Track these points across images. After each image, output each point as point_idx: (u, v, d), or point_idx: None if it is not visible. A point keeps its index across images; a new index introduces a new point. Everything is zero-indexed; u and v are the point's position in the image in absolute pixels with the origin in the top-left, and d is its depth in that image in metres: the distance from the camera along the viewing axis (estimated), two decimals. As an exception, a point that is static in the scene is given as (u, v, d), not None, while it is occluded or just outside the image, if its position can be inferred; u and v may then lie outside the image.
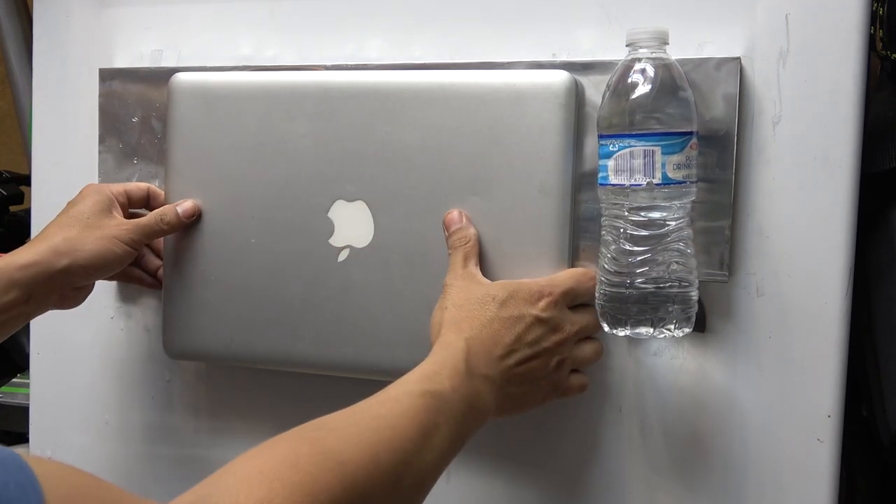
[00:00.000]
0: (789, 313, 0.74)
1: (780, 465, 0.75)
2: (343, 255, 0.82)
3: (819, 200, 0.73)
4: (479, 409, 0.67)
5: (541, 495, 0.83)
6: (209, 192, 0.86)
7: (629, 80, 0.69)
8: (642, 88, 0.69)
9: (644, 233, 0.69)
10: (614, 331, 0.71)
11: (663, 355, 0.78)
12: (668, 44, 0.70)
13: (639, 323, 0.70)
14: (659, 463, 0.79)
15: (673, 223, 0.69)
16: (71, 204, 0.84)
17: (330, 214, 0.82)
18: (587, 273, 0.74)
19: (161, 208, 0.85)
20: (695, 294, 0.70)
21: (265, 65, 0.89)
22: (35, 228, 0.98)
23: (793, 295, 0.74)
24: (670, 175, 0.68)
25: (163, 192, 0.89)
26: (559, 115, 0.74)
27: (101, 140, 0.96)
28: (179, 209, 0.85)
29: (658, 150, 0.68)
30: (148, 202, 0.89)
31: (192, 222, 0.85)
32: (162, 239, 0.87)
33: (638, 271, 0.69)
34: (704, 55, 0.74)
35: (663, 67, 0.69)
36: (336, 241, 0.82)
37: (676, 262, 0.69)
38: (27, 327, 0.87)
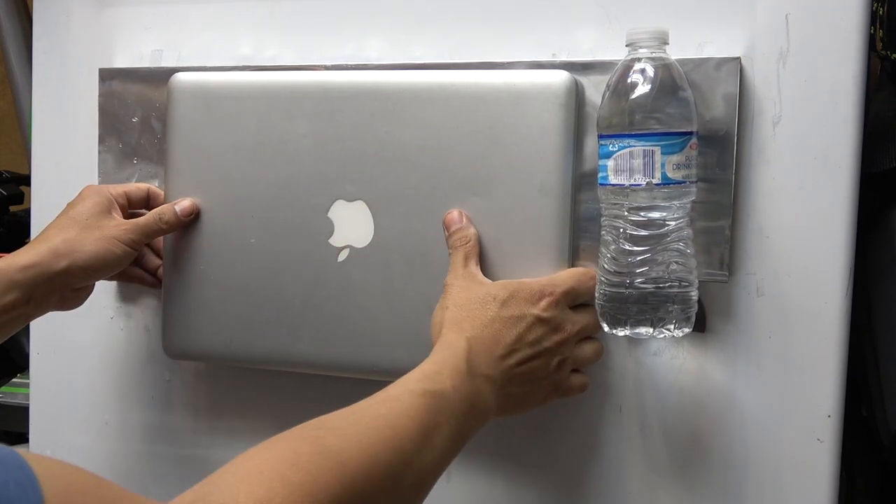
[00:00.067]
0: (789, 313, 0.74)
1: (780, 465, 0.75)
2: (343, 255, 0.82)
3: (819, 200, 0.73)
4: (480, 408, 0.67)
5: (541, 495, 0.83)
6: (209, 192, 0.86)
7: (629, 80, 0.69)
8: (642, 88, 0.69)
9: (644, 233, 0.69)
10: (614, 331, 0.71)
11: (663, 355, 0.78)
12: (668, 44, 0.70)
13: (639, 323, 0.70)
14: (659, 463, 0.79)
15: (673, 223, 0.69)
16: (70, 205, 0.84)
17: (330, 214, 0.82)
18: (588, 273, 0.74)
19: (159, 207, 0.85)
20: (695, 294, 0.70)
21: (265, 65, 0.89)
22: (35, 228, 0.99)
23: (793, 295, 0.74)
24: (670, 175, 0.68)
25: (162, 193, 0.89)
26: (559, 115, 0.74)
27: (101, 140, 0.96)
28: (178, 208, 0.85)
29: (658, 150, 0.68)
30: (148, 203, 0.89)
31: (190, 221, 0.85)
32: (162, 238, 0.87)
33: (638, 271, 0.69)
34: (704, 55, 0.74)
35: (663, 67, 0.69)
36: (336, 241, 0.82)
37: (676, 262, 0.69)
38: (27, 327, 0.87)
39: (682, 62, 0.72)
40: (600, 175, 0.71)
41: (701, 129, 0.72)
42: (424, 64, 0.83)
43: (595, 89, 0.76)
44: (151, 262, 0.91)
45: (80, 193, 0.85)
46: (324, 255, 0.82)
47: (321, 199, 0.82)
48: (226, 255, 0.85)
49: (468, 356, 0.67)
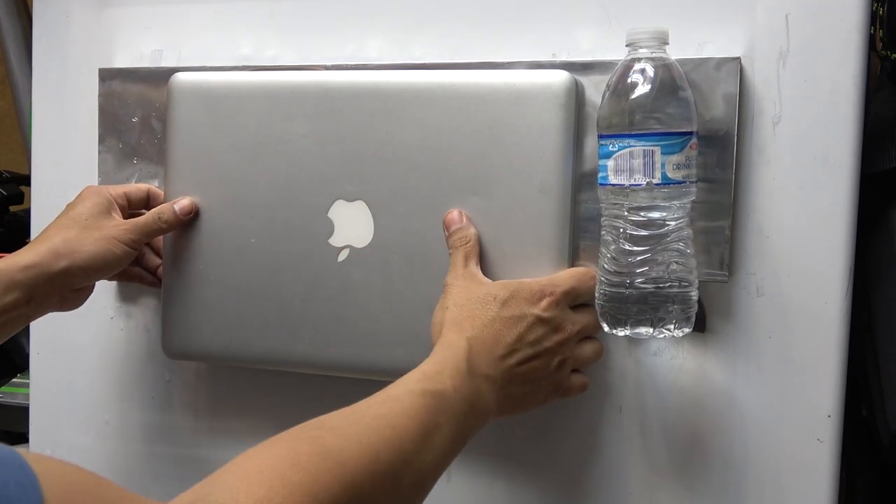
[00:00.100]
0: (789, 313, 0.74)
1: (780, 465, 0.75)
2: (343, 255, 0.82)
3: (819, 200, 0.73)
4: (480, 408, 0.67)
5: (541, 495, 0.83)
6: (209, 192, 0.86)
7: (629, 80, 0.69)
8: (642, 88, 0.69)
9: (644, 233, 0.69)
10: (614, 331, 0.71)
11: (663, 355, 0.78)
12: (668, 44, 0.70)
13: (639, 323, 0.70)
14: (659, 463, 0.79)
15: (673, 223, 0.69)
16: (70, 206, 0.84)
17: (330, 214, 0.82)
18: (588, 272, 0.74)
19: (158, 207, 0.85)
20: (695, 294, 0.70)
21: (265, 65, 0.89)
22: (35, 228, 0.99)
23: (793, 295, 0.74)
24: (670, 175, 0.68)
25: (162, 194, 0.89)
26: (559, 115, 0.74)
27: (101, 140, 0.96)
28: (176, 207, 0.85)
29: (658, 150, 0.68)
30: (147, 204, 0.89)
31: (189, 219, 0.85)
32: (162, 238, 0.87)
33: (638, 271, 0.69)
34: (704, 55, 0.74)
35: (663, 67, 0.69)
36: (336, 241, 0.82)
37: (676, 262, 0.69)
38: (27, 327, 0.87)
39: (682, 62, 0.72)
40: (600, 175, 0.71)
41: (701, 129, 0.72)
42: (424, 64, 0.83)
43: (595, 89, 0.76)
44: (151, 261, 0.91)
45: (79, 194, 0.85)
46: (324, 255, 0.82)
47: (321, 199, 0.82)
48: (225, 255, 0.85)
49: (468, 356, 0.67)
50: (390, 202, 0.80)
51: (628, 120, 0.69)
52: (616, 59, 0.72)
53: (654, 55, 0.69)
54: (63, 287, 0.81)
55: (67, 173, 0.98)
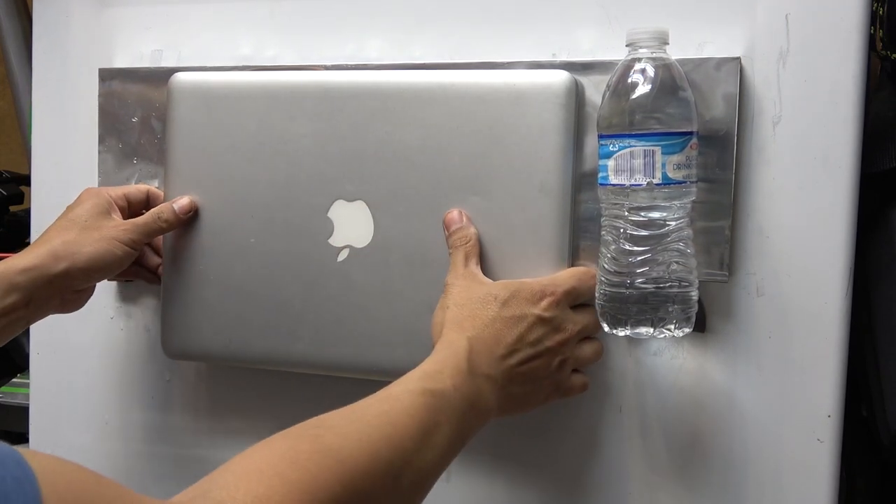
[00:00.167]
0: (789, 313, 0.74)
1: (780, 465, 0.75)
2: (343, 255, 0.81)
3: (819, 200, 0.73)
4: (480, 408, 0.67)
5: (541, 495, 0.83)
6: (209, 192, 0.85)
7: (629, 80, 0.69)
8: (642, 88, 0.69)
9: (644, 233, 0.69)
10: (614, 331, 0.71)
11: (663, 355, 0.78)
12: (668, 44, 0.70)
13: (639, 323, 0.70)
14: (659, 463, 0.79)
15: (673, 223, 0.69)
16: (69, 208, 0.84)
17: (330, 214, 0.82)
18: (588, 272, 0.74)
19: (158, 206, 0.85)
20: (695, 294, 0.70)
21: (265, 65, 0.89)
22: (35, 228, 0.99)
23: (793, 295, 0.74)
24: (670, 175, 0.68)
25: (162, 194, 0.89)
26: (559, 115, 0.74)
27: (101, 140, 0.96)
28: (176, 206, 0.85)
29: (658, 150, 0.68)
30: (147, 205, 0.89)
31: (189, 218, 0.85)
32: (161, 238, 0.87)
33: (638, 271, 0.69)
34: (704, 55, 0.74)
35: (663, 67, 0.69)
36: (336, 240, 0.82)
37: (676, 262, 0.69)
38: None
39: (682, 62, 0.72)
40: (600, 175, 0.71)
41: (701, 129, 0.72)
42: (424, 64, 0.83)
43: (595, 89, 0.76)
44: (152, 260, 0.91)
45: (79, 196, 0.85)
46: (324, 255, 0.82)
47: (321, 199, 0.82)
48: (225, 255, 0.85)
49: (469, 356, 0.67)
50: (390, 202, 0.80)
51: (628, 120, 0.69)
52: (616, 59, 0.72)
53: (654, 55, 0.69)
54: (63, 289, 0.81)
55: (67, 173, 0.98)
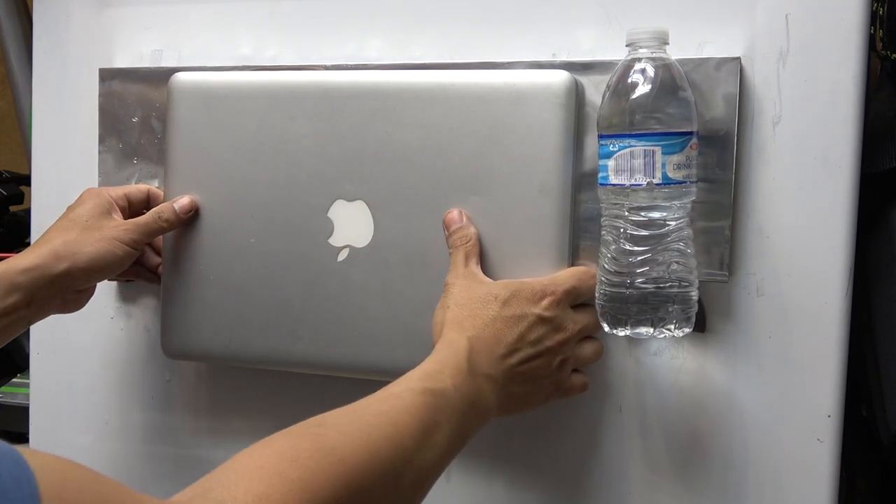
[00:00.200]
0: (789, 313, 0.74)
1: (780, 465, 0.75)
2: (343, 255, 0.82)
3: (819, 200, 0.73)
4: (481, 408, 0.67)
5: (541, 495, 0.83)
6: (209, 192, 0.86)
7: (629, 80, 0.69)
8: (642, 88, 0.69)
9: (644, 233, 0.69)
10: (614, 331, 0.71)
11: (663, 355, 0.78)
12: (668, 44, 0.70)
13: (639, 323, 0.70)
14: (659, 463, 0.79)
15: (673, 223, 0.69)
16: (70, 208, 0.84)
17: (330, 214, 0.82)
18: (588, 272, 0.74)
19: (158, 206, 0.85)
20: (695, 294, 0.70)
21: (265, 65, 0.89)
22: (35, 228, 0.99)
23: (793, 295, 0.74)
24: (670, 175, 0.68)
25: (162, 194, 0.89)
26: (559, 115, 0.74)
27: (101, 140, 0.96)
28: (176, 205, 0.85)
29: (658, 150, 0.68)
30: (148, 205, 0.89)
31: (189, 218, 0.85)
32: (161, 238, 0.87)
33: (638, 271, 0.69)
34: (704, 55, 0.75)
35: (663, 67, 0.69)
36: (336, 240, 0.82)
37: (676, 262, 0.69)
38: (27, 327, 0.87)
39: (682, 62, 0.72)
40: (600, 175, 0.71)
41: (701, 129, 0.72)
42: (424, 64, 0.83)
43: (595, 89, 0.76)
44: (152, 260, 0.91)
45: (79, 196, 0.85)
46: (323, 255, 0.82)
47: (321, 199, 0.82)
48: (225, 255, 0.85)
49: (469, 355, 0.67)
50: (390, 202, 0.80)
51: (628, 120, 0.69)
52: (616, 59, 0.72)
53: (654, 55, 0.69)
54: (64, 289, 0.81)
55: (67, 173, 0.98)
